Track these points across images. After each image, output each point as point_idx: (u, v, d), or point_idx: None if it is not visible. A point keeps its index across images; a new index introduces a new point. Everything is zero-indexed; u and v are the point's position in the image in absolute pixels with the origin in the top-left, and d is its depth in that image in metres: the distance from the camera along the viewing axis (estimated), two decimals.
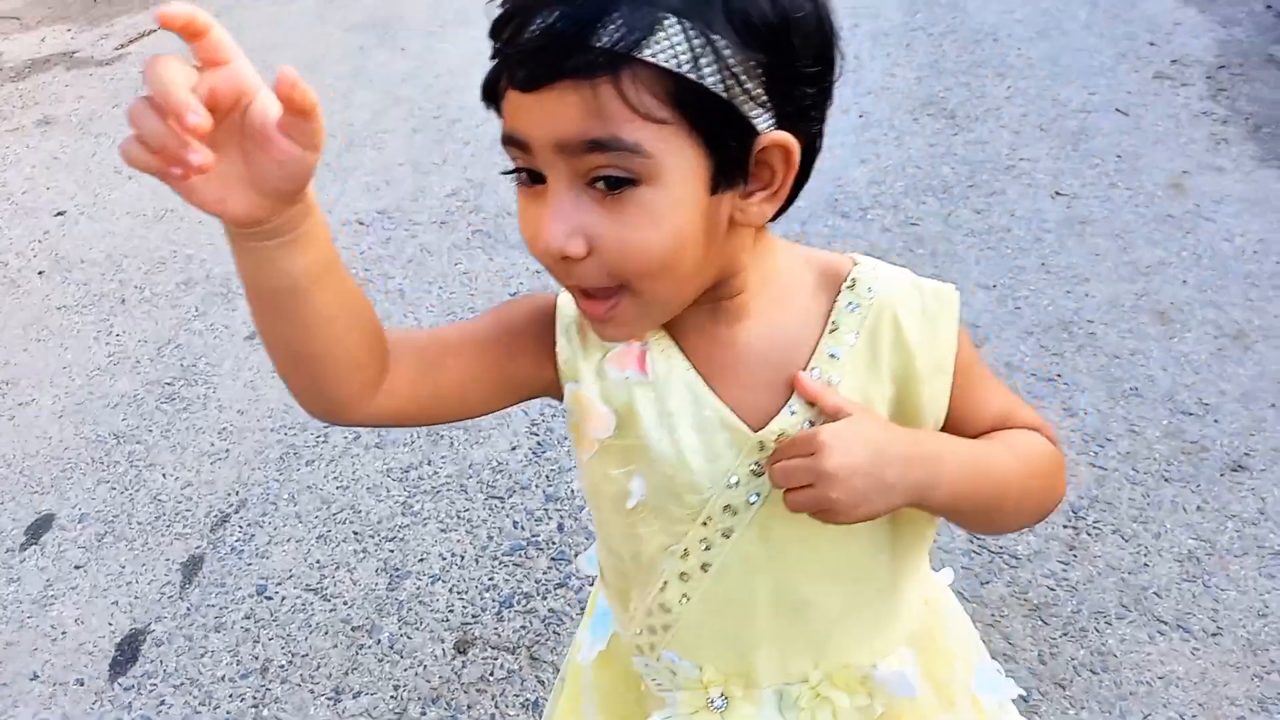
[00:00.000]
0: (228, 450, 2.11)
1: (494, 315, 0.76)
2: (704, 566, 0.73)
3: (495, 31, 0.60)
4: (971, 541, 1.79)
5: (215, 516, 1.96)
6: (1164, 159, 2.89)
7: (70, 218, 3.04)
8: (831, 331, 0.70)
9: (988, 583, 1.72)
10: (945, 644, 0.85)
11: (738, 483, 0.70)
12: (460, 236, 2.80)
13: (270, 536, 1.90)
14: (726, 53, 0.56)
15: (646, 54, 0.55)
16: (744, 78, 0.57)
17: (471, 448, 2.06)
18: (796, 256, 0.73)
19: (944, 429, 0.73)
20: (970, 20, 3.92)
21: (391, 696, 1.60)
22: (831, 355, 0.69)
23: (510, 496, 1.94)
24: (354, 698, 1.60)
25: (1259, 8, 3.79)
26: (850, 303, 0.70)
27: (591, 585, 0.98)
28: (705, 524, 0.71)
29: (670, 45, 0.55)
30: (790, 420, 0.69)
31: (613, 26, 0.55)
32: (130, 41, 4.39)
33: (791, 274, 0.72)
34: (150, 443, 2.15)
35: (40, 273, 2.78)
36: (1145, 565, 1.73)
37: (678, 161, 0.58)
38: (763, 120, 0.60)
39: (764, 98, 0.59)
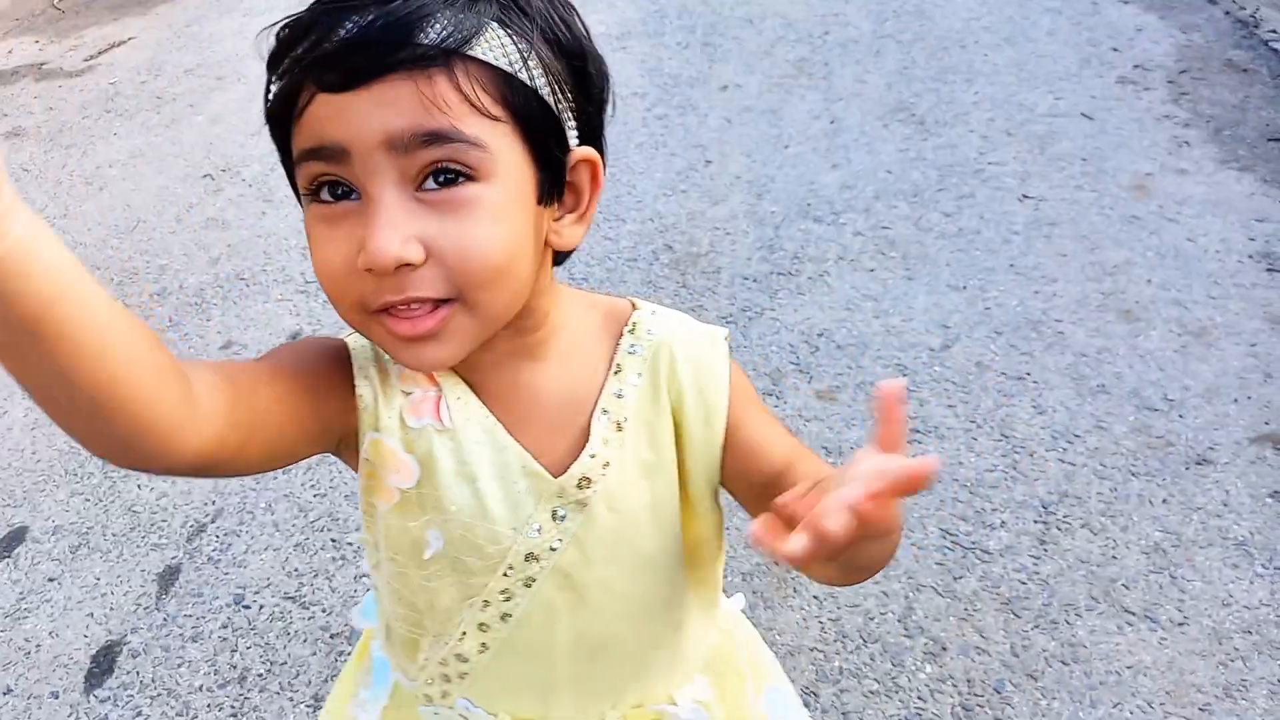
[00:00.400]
0: None
1: (289, 350, 0.69)
2: (504, 616, 0.73)
3: (289, 44, 0.58)
4: (945, 538, 1.81)
5: (191, 526, 1.95)
6: (1128, 161, 2.95)
7: None
8: (616, 373, 0.71)
9: (960, 577, 1.74)
10: (739, 667, 0.87)
11: (540, 529, 0.70)
12: None
13: (248, 545, 1.90)
14: (547, 60, 0.59)
15: (477, 51, 0.56)
16: (561, 87, 0.60)
17: None
18: (581, 300, 0.74)
19: (733, 462, 0.72)
20: (937, 28, 3.97)
21: None
22: (618, 394, 0.71)
23: None
24: None
25: (1218, 14, 3.87)
26: (632, 345, 0.72)
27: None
28: (506, 574, 0.71)
29: (499, 45, 0.57)
30: (590, 464, 0.69)
31: (439, 26, 0.55)
32: (100, 53, 4.36)
33: (578, 317, 0.72)
34: None
35: None
36: (1114, 558, 1.76)
37: (510, 160, 0.59)
38: (572, 136, 0.62)
39: (573, 112, 0.61)
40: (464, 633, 0.74)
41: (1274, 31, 3.71)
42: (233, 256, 2.80)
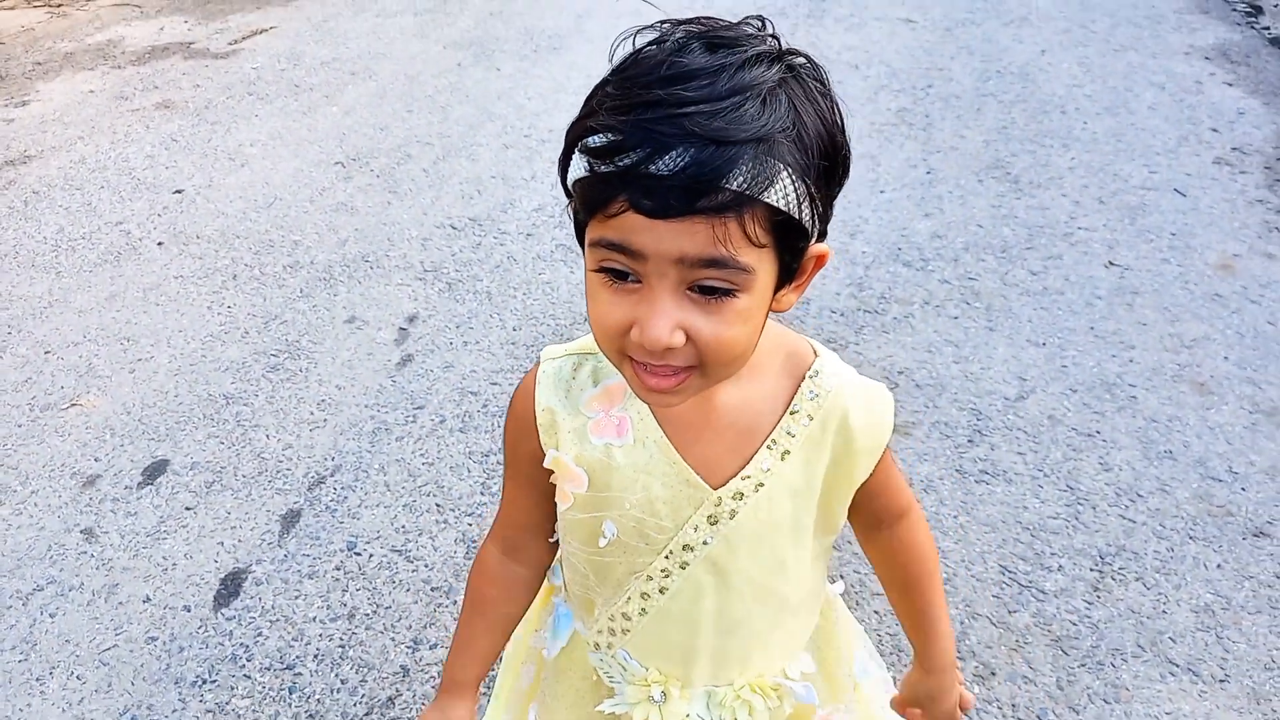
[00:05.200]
0: (325, 420, 2.32)
1: (519, 472, 0.95)
2: (661, 589, 0.89)
3: (604, 154, 0.67)
4: (1004, 573, 1.93)
5: (312, 477, 2.15)
6: (1216, 240, 3.03)
7: (187, 196, 3.29)
8: (792, 413, 0.85)
9: (1015, 611, 1.86)
10: (836, 643, 1.03)
11: (696, 528, 0.85)
12: (545, 249, 3.00)
13: (361, 500, 2.09)
14: (813, 192, 0.71)
15: (767, 197, 0.67)
16: (816, 203, 0.72)
17: None
18: (768, 336, 0.82)
19: (862, 496, 0.90)
20: (1040, 91, 4.08)
21: None
22: (789, 433, 0.85)
23: None
24: (430, 649, 1.78)
25: None
26: (813, 392, 0.85)
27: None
28: (667, 558, 0.87)
29: (784, 192, 0.67)
30: (746, 483, 0.84)
31: (742, 174, 0.65)
32: (244, 38, 4.67)
33: (764, 352, 0.82)
34: (256, 406, 2.36)
35: (160, 244, 3.03)
36: (1164, 612, 1.86)
37: (764, 273, 0.71)
38: (814, 234, 0.75)
39: (819, 215, 0.74)
40: (628, 598, 0.91)
41: None
42: (359, 240, 3.03)
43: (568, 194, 0.76)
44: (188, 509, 2.08)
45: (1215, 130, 3.73)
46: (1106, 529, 2.03)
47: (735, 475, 0.85)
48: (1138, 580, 1.93)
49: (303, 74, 4.24)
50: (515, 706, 1.13)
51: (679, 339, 0.70)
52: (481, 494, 2.11)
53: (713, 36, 0.70)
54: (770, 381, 0.86)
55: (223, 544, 2.00)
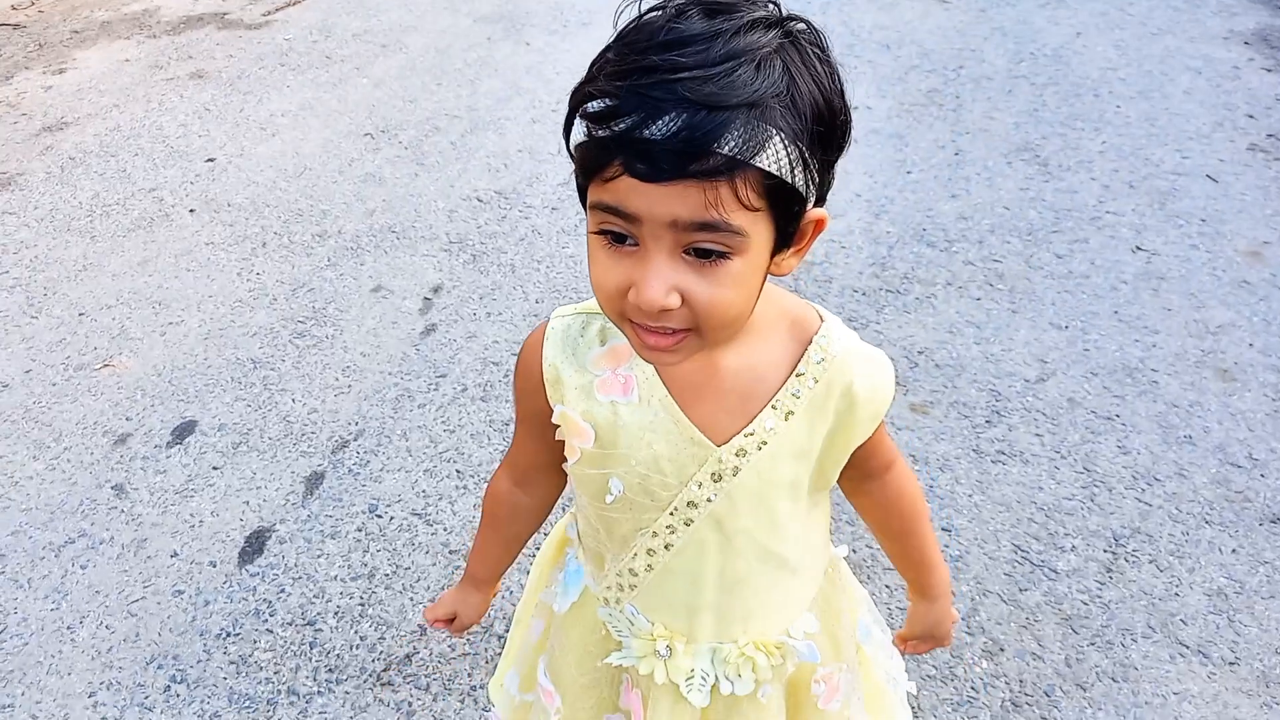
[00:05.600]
0: (350, 386, 2.36)
1: (525, 421, 0.99)
2: (667, 546, 0.91)
3: (600, 119, 0.69)
4: (1016, 552, 1.94)
5: (336, 441, 2.19)
6: (1247, 227, 3.00)
7: (219, 165, 3.33)
8: (798, 375, 0.86)
9: (1026, 590, 1.87)
10: (838, 605, 1.05)
11: (700, 485, 0.87)
12: (569, 223, 3.02)
13: (383, 464, 2.13)
14: (807, 157, 0.72)
15: (758, 162, 0.67)
16: (812, 173, 0.73)
17: None
18: (773, 302, 0.86)
19: (856, 451, 0.92)
20: (1073, 73, 4.04)
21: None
22: (794, 395, 0.86)
23: None
24: None
25: None
26: (819, 356, 0.87)
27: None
28: (672, 514, 0.89)
29: (776, 156, 0.68)
30: (748, 441, 0.86)
31: (733, 139, 0.66)
32: (277, 10, 4.71)
33: (768, 317, 0.85)
34: (283, 370, 2.41)
35: (191, 211, 3.08)
36: (1176, 594, 1.87)
37: (759, 238, 0.72)
38: (812, 199, 0.76)
39: (815, 181, 0.75)
40: (635, 554, 0.94)
41: None
42: (386, 210, 3.06)
43: (571, 157, 0.77)
44: (215, 468, 2.13)
45: (1251, 116, 3.67)
46: (1122, 511, 2.04)
47: (738, 433, 0.87)
48: (1151, 563, 1.93)
49: (334, 46, 4.28)
50: (524, 659, 1.16)
51: (674, 301, 0.72)
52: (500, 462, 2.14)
53: (712, 3, 0.71)
54: (775, 344, 0.88)
55: (248, 503, 2.05)
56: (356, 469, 2.13)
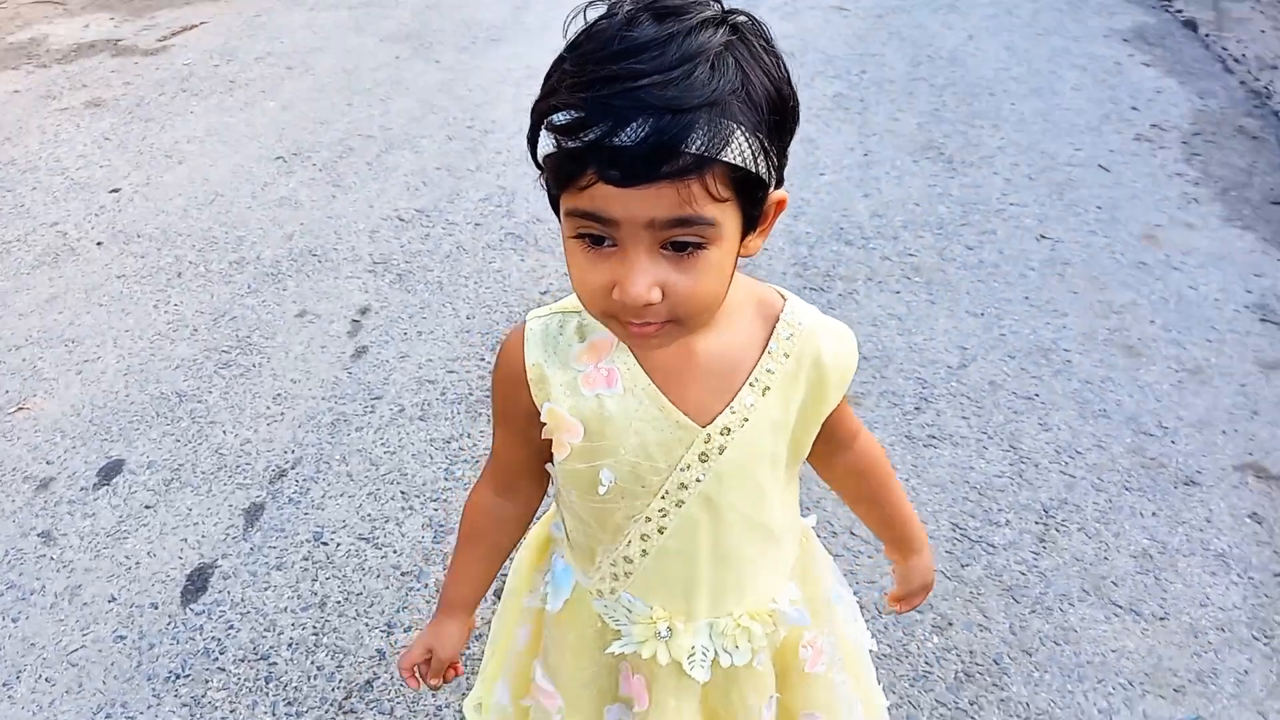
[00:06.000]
0: (283, 414, 2.31)
1: (503, 414, 0.99)
2: (660, 529, 0.94)
3: (569, 131, 0.72)
4: (955, 530, 2.01)
5: (273, 471, 2.15)
6: (1140, 213, 3.17)
7: (125, 195, 3.23)
8: (769, 353, 0.91)
9: (967, 565, 1.94)
10: (814, 572, 1.11)
11: (689, 467, 0.91)
12: (494, 238, 3.02)
13: (324, 491, 2.10)
14: (766, 146, 0.76)
15: (724, 156, 0.71)
16: (770, 155, 0.77)
17: None
18: (738, 285, 0.88)
19: (827, 422, 0.97)
20: (969, 74, 4.21)
21: None
22: (769, 370, 0.91)
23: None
24: (404, 632, 1.80)
25: (1233, 83, 4.11)
26: (787, 332, 0.91)
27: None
28: (663, 498, 0.92)
29: (740, 149, 0.72)
30: (732, 418, 0.90)
31: (699, 138, 0.70)
32: (173, 34, 4.59)
33: (735, 300, 0.88)
34: (210, 402, 2.34)
35: (99, 244, 2.97)
36: (1105, 559, 1.96)
37: (729, 226, 0.76)
38: (772, 183, 0.80)
39: (775, 166, 0.79)
40: (629, 541, 0.95)
41: None
42: (305, 234, 3.01)
43: (538, 166, 0.80)
44: (147, 507, 2.06)
45: (1135, 108, 3.89)
46: (1049, 484, 2.13)
47: (721, 412, 0.90)
48: (1080, 530, 2.02)
49: (237, 69, 4.18)
50: (514, 668, 1.16)
51: (656, 295, 0.76)
52: (446, 480, 2.13)
53: (659, 7, 0.74)
54: (745, 326, 0.92)
55: (186, 540, 1.99)
56: (297, 497, 2.08)
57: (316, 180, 3.32)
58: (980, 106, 3.92)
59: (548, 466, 1.01)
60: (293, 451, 2.20)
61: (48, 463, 2.17)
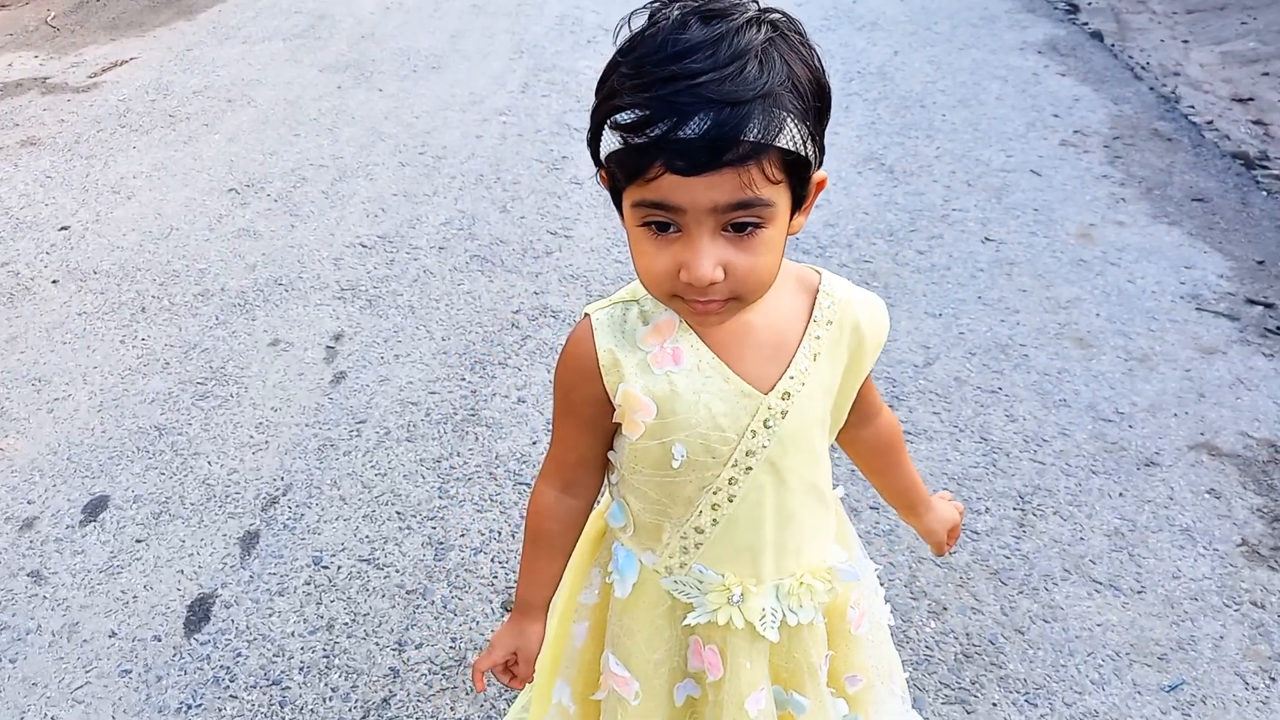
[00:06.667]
0: (267, 442, 2.29)
1: (566, 404, 1.03)
2: (730, 498, 1.00)
3: (635, 128, 0.79)
4: None
5: (264, 498, 2.13)
6: (1073, 213, 3.35)
7: (75, 233, 3.15)
8: (815, 321, 0.99)
9: (955, 552, 2.03)
10: (846, 539, 1.19)
11: (755, 434, 0.97)
12: (459, 260, 3.04)
13: (319, 515, 2.09)
14: (813, 131, 0.84)
15: (779, 142, 0.80)
16: (814, 140, 0.85)
17: (496, 441, 2.29)
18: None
19: (859, 396, 1.07)
20: (898, 89, 4.39)
21: (450, 647, 1.80)
22: (816, 337, 0.99)
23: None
24: (416, 649, 1.80)
25: (1143, 89, 4.37)
26: (829, 302, 1.00)
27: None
28: (733, 466, 0.98)
29: (791, 135, 0.80)
30: (791, 383, 0.97)
31: (756, 128, 0.78)
32: (104, 70, 4.49)
33: (779, 277, 0.95)
34: (191, 434, 2.31)
35: (54, 282, 2.90)
36: (1081, 539, 2.07)
37: (783, 204, 0.84)
38: (815, 164, 0.88)
39: (818, 149, 0.87)
40: (700, 512, 1.01)
41: (1192, 107, 4.20)
42: (269, 264, 2.99)
43: (598, 164, 0.88)
44: (138, 541, 2.02)
45: (1056, 116, 4.10)
46: (1021, 472, 2.24)
47: (780, 378, 0.97)
48: (1055, 514, 2.13)
49: (175, 104, 4.12)
50: (576, 665, 1.18)
51: (720, 274, 0.84)
52: (440, 498, 2.14)
53: (704, 10, 0.82)
54: (789, 299, 0.99)
55: (183, 571, 1.96)
56: (291, 524, 2.07)
57: (273, 210, 3.29)
58: (913, 118, 4.09)
59: (610, 455, 1.05)
60: (282, 479, 2.18)
61: (29, 502, 2.12)
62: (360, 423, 2.36)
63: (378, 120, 4.00)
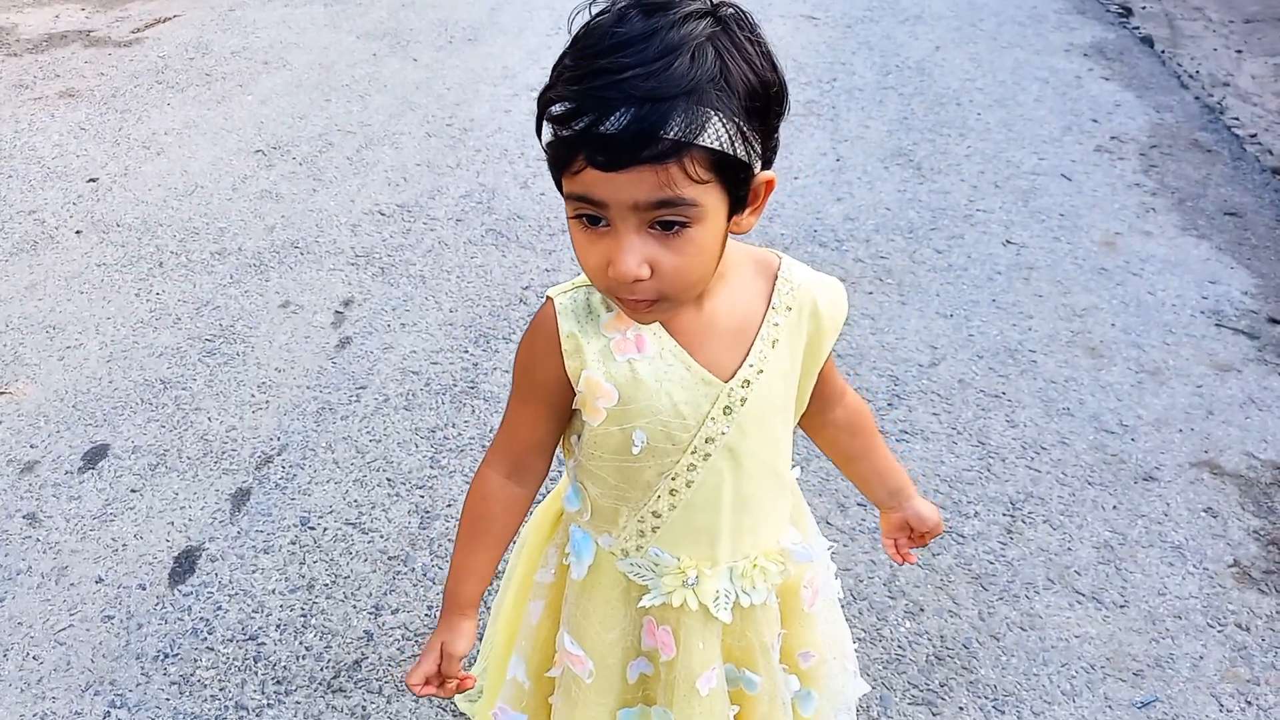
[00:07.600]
0: (268, 402, 2.33)
1: (529, 386, 1.03)
2: (688, 484, 1.01)
3: (563, 120, 0.80)
4: None
5: (259, 457, 2.17)
6: (1100, 220, 3.28)
7: (103, 185, 3.22)
8: (774, 308, 0.99)
9: (938, 554, 2.02)
10: (802, 521, 1.19)
11: (714, 420, 0.97)
12: (475, 234, 3.05)
13: (311, 477, 2.12)
14: (745, 130, 0.82)
15: (701, 141, 0.78)
16: (753, 143, 0.84)
17: (491, 415, 2.31)
18: (736, 249, 0.98)
19: (820, 378, 1.06)
20: (935, 85, 4.32)
21: (425, 614, 1.83)
22: (775, 324, 0.99)
23: None
24: (392, 614, 1.83)
25: (1188, 98, 4.26)
26: (787, 288, 1.00)
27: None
28: (692, 454, 0.98)
29: (717, 134, 0.79)
30: (750, 370, 0.97)
31: (676, 125, 0.77)
32: (147, 26, 4.56)
33: (736, 263, 0.98)
34: (195, 390, 2.36)
35: (78, 232, 2.96)
36: (1069, 549, 2.05)
37: (713, 206, 0.83)
38: (757, 165, 0.87)
39: (759, 148, 0.86)
40: (658, 496, 1.01)
41: (1236, 119, 4.10)
42: (287, 227, 3.03)
43: (546, 154, 0.87)
44: (133, 491, 2.07)
45: (1095, 121, 4.02)
46: (1015, 478, 2.22)
47: (740, 366, 0.97)
48: (1045, 522, 2.11)
49: (213, 63, 4.18)
50: (531, 644, 1.19)
51: (645, 271, 0.84)
52: (431, 468, 2.16)
53: (648, 3, 0.81)
54: (748, 285, 0.99)
55: (173, 524, 2.00)
56: (283, 483, 2.11)
57: (297, 174, 3.33)
58: (947, 115, 4.03)
59: (572, 439, 1.06)
60: (278, 439, 2.22)
61: (31, 446, 2.18)
62: (360, 388, 2.39)
63: (409, 90, 4.02)
